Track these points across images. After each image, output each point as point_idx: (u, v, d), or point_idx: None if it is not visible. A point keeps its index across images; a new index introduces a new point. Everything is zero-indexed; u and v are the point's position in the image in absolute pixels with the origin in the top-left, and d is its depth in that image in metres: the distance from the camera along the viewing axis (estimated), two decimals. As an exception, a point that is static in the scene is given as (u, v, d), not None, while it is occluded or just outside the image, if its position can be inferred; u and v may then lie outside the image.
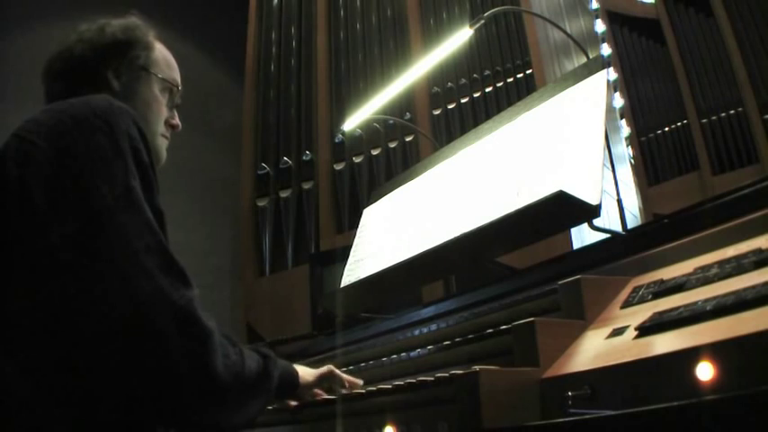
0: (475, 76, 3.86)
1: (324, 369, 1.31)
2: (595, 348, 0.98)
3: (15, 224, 0.92)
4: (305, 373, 1.27)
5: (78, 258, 0.89)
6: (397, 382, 1.16)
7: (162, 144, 1.24)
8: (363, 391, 1.25)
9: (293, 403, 1.30)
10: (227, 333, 1.00)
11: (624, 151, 5.12)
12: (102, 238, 0.90)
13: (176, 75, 1.29)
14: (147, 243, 0.92)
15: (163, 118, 1.24)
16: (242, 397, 1.00)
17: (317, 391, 1.30)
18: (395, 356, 1.48)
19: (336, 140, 4.19)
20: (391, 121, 3.91)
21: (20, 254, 0.91)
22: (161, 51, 1.27)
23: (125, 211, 0.92)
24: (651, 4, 5.28)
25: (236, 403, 0.98)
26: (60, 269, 0.89)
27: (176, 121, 1.29)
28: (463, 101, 3.82)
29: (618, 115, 5.29)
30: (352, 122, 3.32)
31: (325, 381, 1.31)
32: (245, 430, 1.05)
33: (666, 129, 5.12)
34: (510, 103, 2.57)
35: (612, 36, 5.48)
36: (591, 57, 1.91)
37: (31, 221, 0.91)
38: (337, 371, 1.34)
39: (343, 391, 1.30)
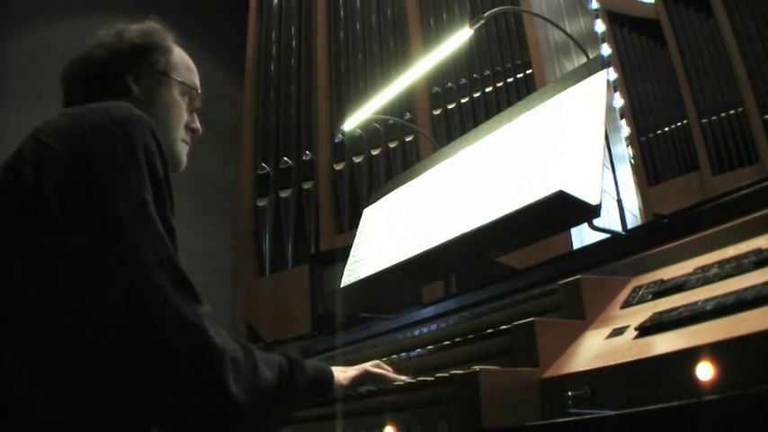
0: (475, 76, 3.86)
1: (362, 372, 1.25)
2: (595, 348, 0.98)
3: (30, 228, 0.91)
4: (341, 377, 1.21)
5: (90, 270, 0.88)
6: (397, 382, 1.17)
7: (182, 149, 1.23)
8: (363, 390, 1.25)
9: None
10: (242, 341, 0.98)
11: (624, 151, 5.12)
12: (114, 251, 0.89)
13: (196, 78, 1.27)
14: (160, 258, 0.90)
15: (183, 122, 1.23)
16: (261, 408, 0.97)
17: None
18: (395, 356, 1.48)
19: (336, 140, 4.18)
20: (391, 121, 3.91)
21: (32, 257, 0.90)
22: (180, 55, 1.26)
23: (138, 225, 0.91)
24: (651, 4, 5.27)
25: (255, 415, 0.96)
26: (72, 279, 0.88)
27: (196, 124, 1.27)
28: (463, 101, 3.82)
29: (618, 115, 5.28)
30: (352, 122, 3.32)
31: (366, 383, 1.25)
32: None
33: (666, 129, 5.11)
34: (510, 103, 2.57)
35: (612, 36, 5.47)
36: (591, 57, 1.91)
37: (45, 227, 0.90)
38: (376, 370, 1.27)
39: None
